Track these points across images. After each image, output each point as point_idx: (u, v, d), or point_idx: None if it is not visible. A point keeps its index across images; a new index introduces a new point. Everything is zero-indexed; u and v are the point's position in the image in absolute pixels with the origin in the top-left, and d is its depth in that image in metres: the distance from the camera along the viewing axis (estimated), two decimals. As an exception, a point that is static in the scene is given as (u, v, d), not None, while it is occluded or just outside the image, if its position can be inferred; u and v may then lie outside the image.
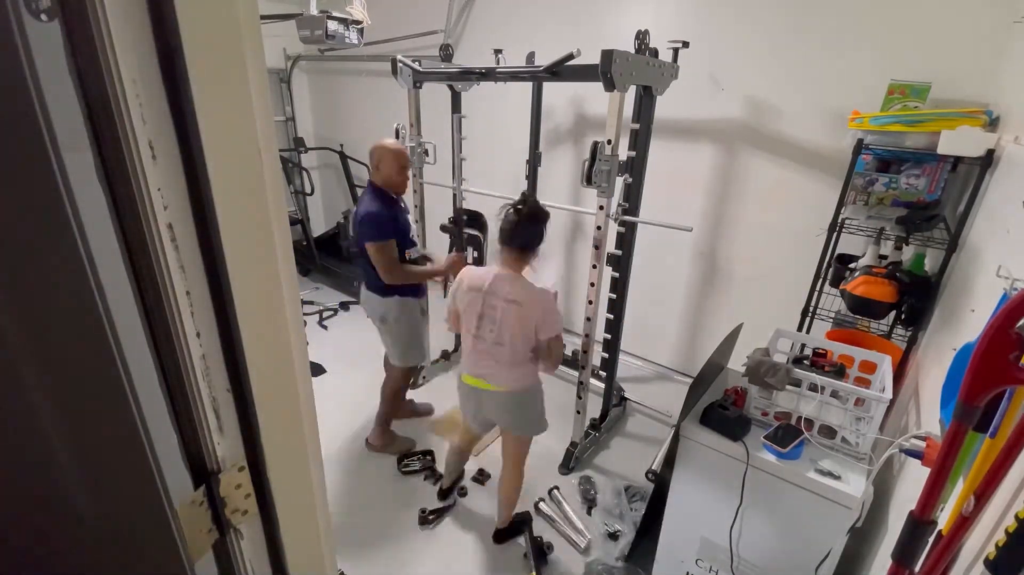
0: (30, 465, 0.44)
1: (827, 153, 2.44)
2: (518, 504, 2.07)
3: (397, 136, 2.70)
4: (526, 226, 1.68)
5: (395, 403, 2.52)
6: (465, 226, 3.43)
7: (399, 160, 2.11)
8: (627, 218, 2.23)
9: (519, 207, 1.70)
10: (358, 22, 2.30)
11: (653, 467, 2.45)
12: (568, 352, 3.27)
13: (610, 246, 2.25)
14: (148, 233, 0.45)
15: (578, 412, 2.45)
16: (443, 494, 2.25)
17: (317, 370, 3.21)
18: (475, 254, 3.93)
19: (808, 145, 2.53)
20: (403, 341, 2.34)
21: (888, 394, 1.39)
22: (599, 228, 2.10)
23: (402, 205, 2.21)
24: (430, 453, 2.52)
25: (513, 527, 2.09)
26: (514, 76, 2.30)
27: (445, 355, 3.32)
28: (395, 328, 2.29)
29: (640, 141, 2.20)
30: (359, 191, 4.64)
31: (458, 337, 3.39)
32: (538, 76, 2.18)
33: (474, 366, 1.79)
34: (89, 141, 0.40)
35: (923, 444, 1.12)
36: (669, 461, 1.73)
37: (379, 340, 2.41)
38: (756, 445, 1.49)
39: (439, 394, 3.01)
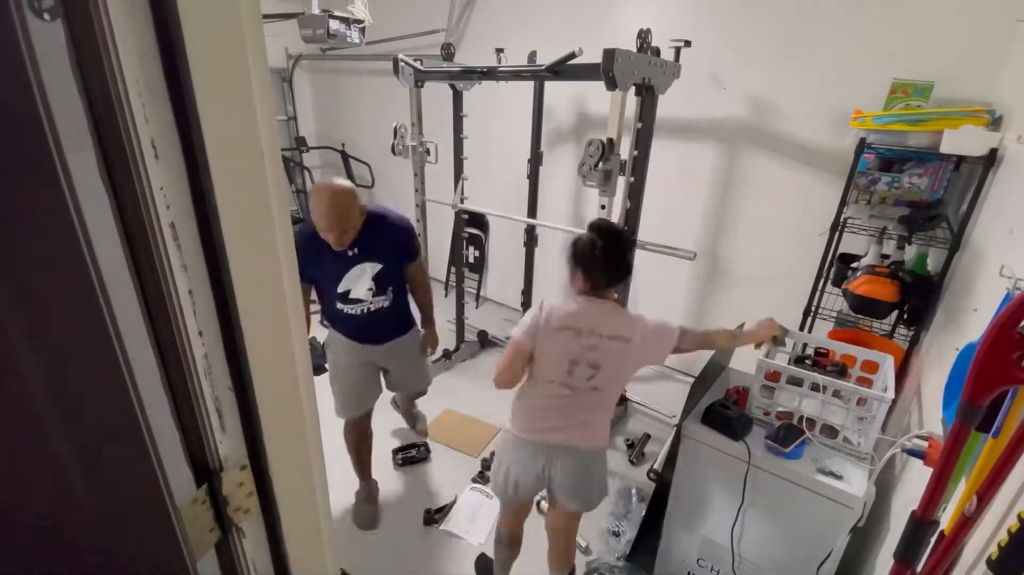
0: (33, 465, 0.44)
1: (829, 152, 2.43)
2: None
3: (395, 135, 2.70)
4: (619, 256, 1.44)
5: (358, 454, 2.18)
6: (467, 225, 3.44)
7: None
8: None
9: (602, 233, 1.42)
10: (360, 21, 2.30)
11: (655, 466, 2.44)
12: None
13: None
14: (151, 232, 0.45)
15: (579, 411, 2.44)
16: None
17: (319, 369, 3.21)
18: (476, 254, 3.94)
19: (810, 144, 2.52)
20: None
21: (890, 394, 1.38)
22: (601, 227, 2.09)
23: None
24: (424, 445, 2.53)
25: None
26: (516, 75, 2.30)
27: (447, 354, 3.31)
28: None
29: (642, 140, 2.19)
30: (361, 190, 4.65)
31: (460, 336, 3.39)
32: (540, 75, 2.18)
33: (554, 420, 1.45)
34: (92, 140, 0.40)
35: (925, 444, 1.12)
36: (671, 460, 1.73)
37: None
38: (758, 445, 1.49)
39: (440, 394, 3.01)
